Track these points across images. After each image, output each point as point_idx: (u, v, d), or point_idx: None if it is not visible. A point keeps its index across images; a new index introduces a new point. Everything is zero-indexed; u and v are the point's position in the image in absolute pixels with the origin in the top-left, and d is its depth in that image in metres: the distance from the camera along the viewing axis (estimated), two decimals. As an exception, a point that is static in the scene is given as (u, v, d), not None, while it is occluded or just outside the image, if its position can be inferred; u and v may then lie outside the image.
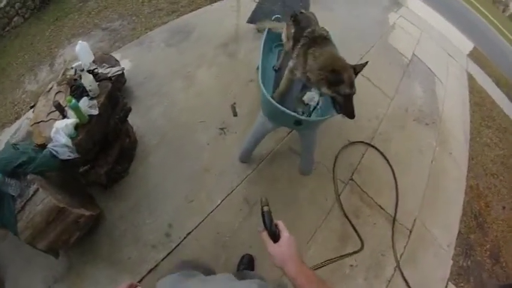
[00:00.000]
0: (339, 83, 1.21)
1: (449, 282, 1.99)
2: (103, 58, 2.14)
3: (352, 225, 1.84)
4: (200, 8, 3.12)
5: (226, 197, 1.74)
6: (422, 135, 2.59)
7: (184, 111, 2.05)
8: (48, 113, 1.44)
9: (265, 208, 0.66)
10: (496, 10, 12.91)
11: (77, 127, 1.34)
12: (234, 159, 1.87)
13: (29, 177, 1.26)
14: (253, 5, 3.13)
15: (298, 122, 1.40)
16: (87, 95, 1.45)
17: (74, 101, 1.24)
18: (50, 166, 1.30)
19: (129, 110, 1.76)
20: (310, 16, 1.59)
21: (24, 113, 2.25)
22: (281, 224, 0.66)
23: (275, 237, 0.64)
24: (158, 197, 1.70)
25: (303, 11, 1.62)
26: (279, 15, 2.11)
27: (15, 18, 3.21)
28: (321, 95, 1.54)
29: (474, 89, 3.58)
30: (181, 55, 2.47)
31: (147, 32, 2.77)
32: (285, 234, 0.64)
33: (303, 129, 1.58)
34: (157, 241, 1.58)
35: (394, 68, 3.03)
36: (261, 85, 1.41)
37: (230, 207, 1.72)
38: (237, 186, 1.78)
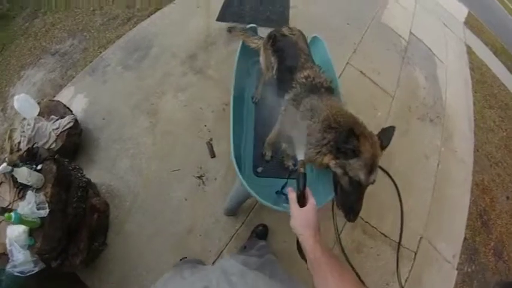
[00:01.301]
0: (352, 150, 0.69)
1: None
2: (50, 107, 1.64)
3: (351, 266, 1.51)
4: (160, 8, 2.42)
5: (216, 259, 1.39)
6: (427, 136, 2.11)
7: (153, 160, 1.57)
8: (-3, 213, 1.06)
9: (302, 170, 0.63)
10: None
11: (31, 231, 1.01)
12: (217, 213, 1.46)
13: (2, 305, 0.96)
14: (222, -3, 2.41)
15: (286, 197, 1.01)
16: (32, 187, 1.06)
17: (13, 215, 0.92)
18: (19, 284, 1.00)
19: (88, 182, 1.32)
20: (297, 43, 0.99)
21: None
22: (308, 191, 0.61)
23: (302, 201, 0.60)
24: (145, 269, 1.35)
25: (286, 33, 1.02)
26: (254, 25, 1.53)
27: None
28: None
29: (474, 64, 2.94)
30: (142, 81, 1.90)
31: (100, 52, 2.14)
32: (311, 201, 0.60)
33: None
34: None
35: (392, 55, 2.40)
36: (234, 161, 0.92)
37: (221, 270, 1.42)
38: (225, 246, 1.42)
